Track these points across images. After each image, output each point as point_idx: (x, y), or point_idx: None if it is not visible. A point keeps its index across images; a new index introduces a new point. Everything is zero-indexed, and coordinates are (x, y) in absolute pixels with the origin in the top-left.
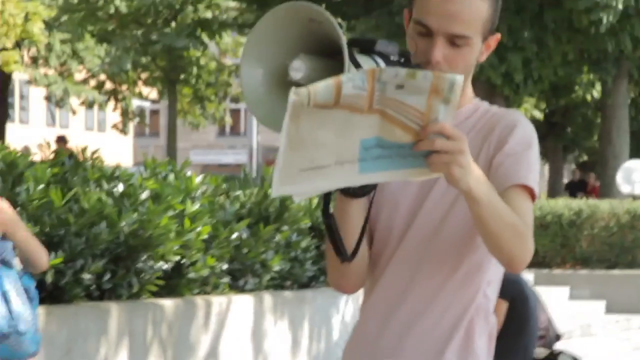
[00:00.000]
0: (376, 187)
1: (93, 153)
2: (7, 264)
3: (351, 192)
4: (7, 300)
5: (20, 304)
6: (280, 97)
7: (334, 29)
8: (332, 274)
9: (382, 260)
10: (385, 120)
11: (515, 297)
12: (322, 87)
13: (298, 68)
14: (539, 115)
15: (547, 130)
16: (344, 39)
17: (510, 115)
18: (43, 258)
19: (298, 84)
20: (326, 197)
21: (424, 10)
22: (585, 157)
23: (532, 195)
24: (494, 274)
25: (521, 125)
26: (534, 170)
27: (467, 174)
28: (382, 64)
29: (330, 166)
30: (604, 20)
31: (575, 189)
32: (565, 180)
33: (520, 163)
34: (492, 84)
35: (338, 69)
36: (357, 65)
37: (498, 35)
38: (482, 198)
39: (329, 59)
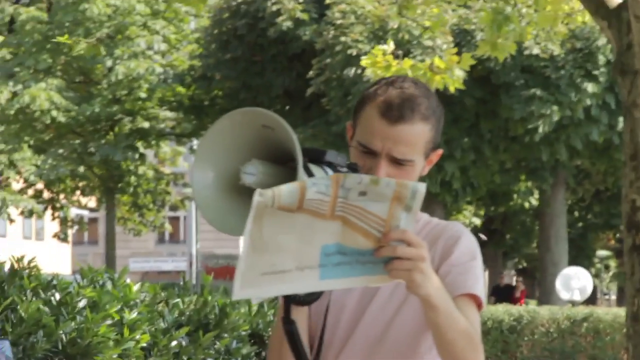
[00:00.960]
0: (321, 295)
1: (30, 262)
2: None
3: (298, 300)
4: None
5: None
6: (231, 200)
7: (289, 136)
8: None
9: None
10: (347, 226)
11: None
12: (287, 190)
13: (250, 172)
14: (477, 222)
15: (487, 237)
16: (298, 146)
17: (453, 227)
18: None
19: (249, 189)
20: (287, 304)
21: (368, 131)
22: (524, 264)
23: (479, 304)
24: None
25: (465, 236)
26: (479, 280)
27: (427, 280)
28: (331, 173)
29: (291, 271)
30: (540, 130)
31: (501, 293)
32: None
33: (467, 273)
34: (431, 193)
35: (290, 176)
36: (310, 173)
37: (439, 151)
38: (441, 305)
39: (280, 165)
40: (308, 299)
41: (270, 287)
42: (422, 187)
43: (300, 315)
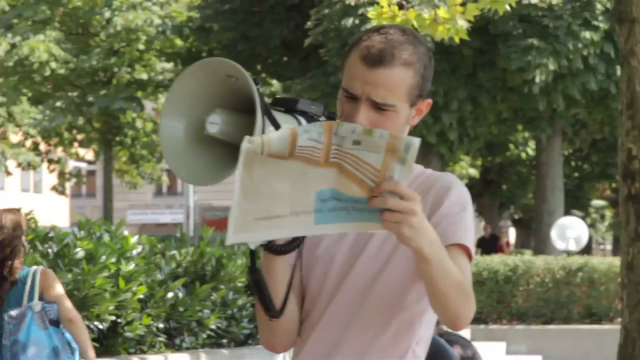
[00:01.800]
0: (302, 243)
1: (27, 214)
2: (55, 323)
3: (276, 249)
4: (57, 354)
5: (65, 357)
6: (198, 150)
7: (248, 84)
8: (263, 333)
9: (314, 317)
10: (342, 174)
11: (434, 354)
12: (277, 137)
13: (214, 122)
14: (474, 173)
15: (483, 188)
16: (257, 94)
17: (445, 177)
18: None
19: (216, 139)
20: (252, 253)
21: (350, 76)
22: (520, 214)
23: (469, 255)
24: (424, 332)
25: (456, 187)
26: (470, 230)
27: (418, 234)
28: (304, 122)
29: (285, 216)
30: (537, 80)
31: (486, 245)
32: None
33: (457, 223)
34: (427, 143)
35: (255, 125)
36: (274, 121)
37: (429, 101)
38: (433, 258)
39: (247, 114)
40: (285, 249)
41: (264, 232)
42: (415, 142)
43: (281, 265)
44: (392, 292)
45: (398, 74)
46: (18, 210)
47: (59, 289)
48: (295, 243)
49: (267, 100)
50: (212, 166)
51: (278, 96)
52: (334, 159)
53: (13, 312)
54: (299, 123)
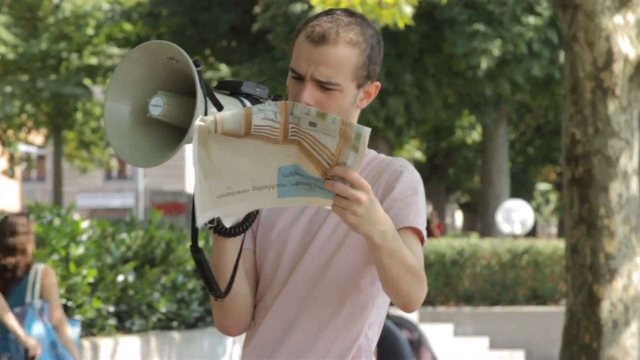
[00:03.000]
0: (250, 225)
1: None
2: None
3: (226, 232)
4: (55, 347)
5: (62, 350)
6: (142, 133)
7: (189, 66)
8: (216, 315)
9: (267, 300)
10: (301, 152)
11: (383, 338)
12: (230, 116)
13: (156, 104)
14: (420, 157)
15: (430, 172)
16: (197, 76)
17: (397, 162)
18: None
19: (159, 121)
20: (195, 233)
21: (296, 56)
22: (467, 198)
23: (421, 238)
24: (377, 316)
25: (408, 171)
26: (422, 214)
27: (364, 222)
28: (248, 104)
29: (248, 191)
30: (483, 65)
31: None
32: (449, 220)
33: (409, 207)
34: (375, 128)
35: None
36: (216, 103)
37: (377, 84)
38: (384, 247)
39: (190, 96)
40: (234, 231)
41: (228, 207)
42: (366, 131)
43: (231, 247)
44: (345, 275)
45: (342, 52)
46: (27, 215)
47: (54, 290)
48: (245, 225)
49: (213, 83)
50: (155, 148)
51: (223, 80)
52: (293, 136)
53: (17, 310)
54: (244, 105)
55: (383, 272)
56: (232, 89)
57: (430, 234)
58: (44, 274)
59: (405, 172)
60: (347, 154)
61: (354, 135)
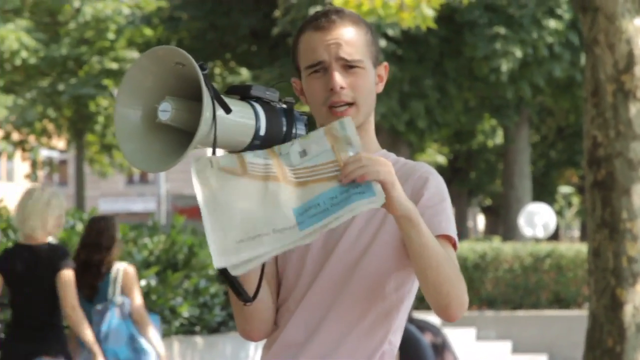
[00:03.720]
0: None
1: None
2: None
3: None
4: (133, 341)
5: (141, 343)
6: (153, 138)
7: (195, 70)
8: (238, 320)
9: (291, 304)
10: (307, 187)
11: (404, 341)
12: (223, 156)
13: (165, 109)
14: (442, 160)
15: (452, 175)
16: (203, 79)
17: (421, 167)
18: None
19: (169, 126)
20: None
21: (309, 50)
22: (489, 201)
23: (453, 244)
24: (400, 322)
25: (433, 177)
26: (451, 220)
27: (397, 186)
28: (258, 107)
29: (269, 234)
30: (503, 68)
31: None
32: (471, 224)
33: (440, 214)
34: (396, 131)
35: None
36: (224, 105)
37: (386, 64)
38: (420, 222)
39: (198, 101)
40: None
41: (251, 251)
42: (347, 119)
43: None
44: (370, 280)
45: (353, 30)
46: (113, 217)
47: (135, 287)
48: None
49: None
50: (165, 152)
51: (233, 85)
52: (295, 178)
53: (99, 307)
54: (254, 109)
55: (420, 259)
56: (242, 93)
57: None
58: (125, 271)
59: (431, 177)
60: (345, 149)
61: (339, 127)
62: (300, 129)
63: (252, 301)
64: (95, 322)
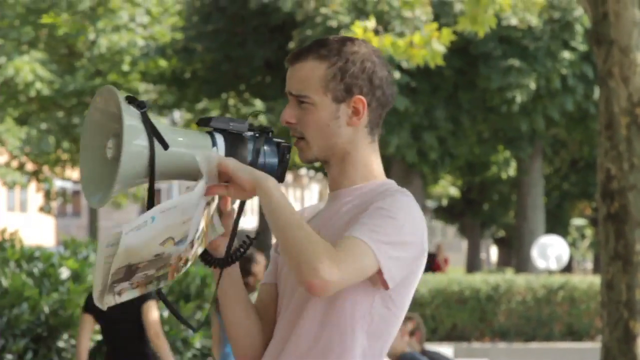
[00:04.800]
0: (235, 260)
1: (12, 234)
2: None
3: (212, 262)
4: None
5: None
6: (107, 175)
7: (119, 109)
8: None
9: (279, 314)
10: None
11: None
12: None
13: (110, 147)
14: (455, 192)
15: (465, 207)
16: (123, 112)
17: (392, 187)
18: None
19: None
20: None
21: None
22: (502, 233)
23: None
24: (362, 348)
25: (394, 196)
26: (383, 233)
27: (230, 160)
28: (219, 139)
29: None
30: (517, 100)
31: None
32: (484, 255)
33: (370, 222)
34: (409, 163)
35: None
36: (162, 141)
37: (362, 98)
38: (265, 184)
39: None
40: (220, 262)
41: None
42: (199, 156)
43: (226, 279)
44: (324, 301)
45: (309, 65)
46: (262, 251)
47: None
48: (233, 258)
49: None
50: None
51: (201, 117)
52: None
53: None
54: (214, 141)
55: (271, 225)
56: (203, 124)
57: (436, 267)
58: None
59: (393, 195)
60: (199, 186)
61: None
62: (270, 157)
63: (196, 331)
64: None
